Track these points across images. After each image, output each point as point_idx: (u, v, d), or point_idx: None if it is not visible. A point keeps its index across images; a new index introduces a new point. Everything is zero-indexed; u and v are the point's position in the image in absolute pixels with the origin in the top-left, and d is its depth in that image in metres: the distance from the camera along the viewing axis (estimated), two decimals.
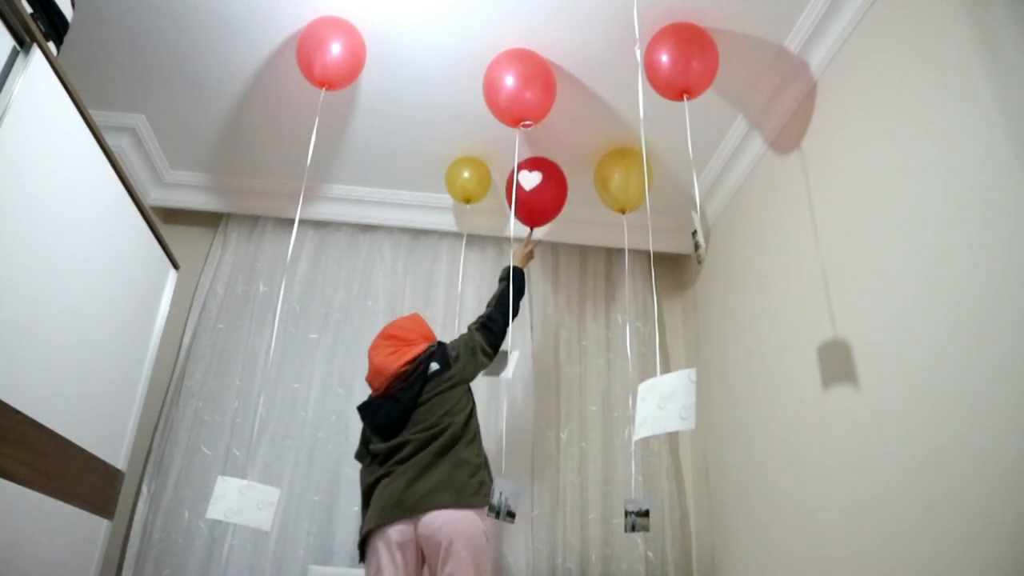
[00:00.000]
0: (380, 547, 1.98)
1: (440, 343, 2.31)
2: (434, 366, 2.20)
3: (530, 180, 2.58)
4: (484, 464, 2.13)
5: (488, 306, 2.42)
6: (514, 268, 2.46)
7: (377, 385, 2.21)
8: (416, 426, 2.11)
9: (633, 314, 3.09)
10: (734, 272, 2.72)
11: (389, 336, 2.28)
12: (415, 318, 2.39)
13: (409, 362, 2.19)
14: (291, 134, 2.79)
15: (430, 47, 2.34)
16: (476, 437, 2.17)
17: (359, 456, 2.25)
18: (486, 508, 1.98)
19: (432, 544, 1.92)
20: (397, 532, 1.97)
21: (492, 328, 2.33)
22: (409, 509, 1.96)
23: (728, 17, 2.15)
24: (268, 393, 2.85)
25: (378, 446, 2.13)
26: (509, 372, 2.43)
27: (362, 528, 2.07)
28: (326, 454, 2.77)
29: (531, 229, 2.73)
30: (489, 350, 2.32)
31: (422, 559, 2.01)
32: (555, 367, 2.99)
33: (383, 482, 2.05)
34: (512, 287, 2.39)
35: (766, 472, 2.29)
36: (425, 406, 2.14)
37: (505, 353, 2.42)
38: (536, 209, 2.67)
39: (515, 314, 2.39)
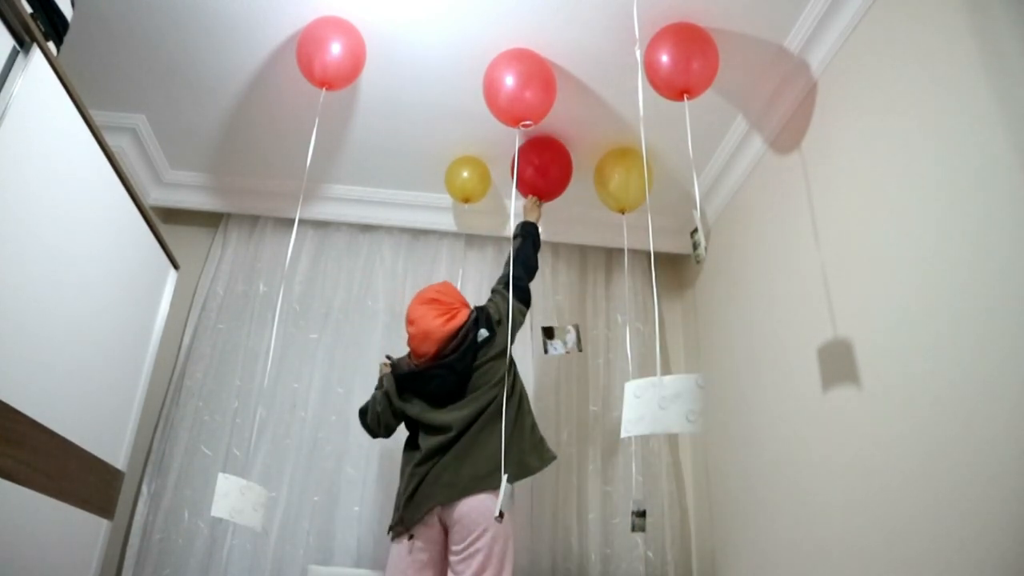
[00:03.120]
0: (423, 529, 2.01)
1: (480, 308, 2.29)
2: (483, 332, 2.19)
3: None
4: (533, 433, 2.14)
5: (508, 264, 2.39)
6: (527, 223, 2.49)
7: (424, 350, 2.17)
8: (471, 395, 2.12)
9: (633, 314, 3.09)
10: (734, 272, 2.72)
11: (430, 300, 2.24)
12: (449, 285, 2.36)
13: (460, 327, 2.17)
14: (291, 134, 2.79)
15: (430, 47, 2.34)
16: (526, 404, 2.18)
17: (374, 421, 2.27)
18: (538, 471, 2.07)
19: (464, 525, 1.94)
20: (428, 522, 2.00)
21: (521, 285, 2.33)
22: (461, 492, 1.96)
23: (728, 17, 2.14)
24: (268, 393, 2.85)
25: (433, 416, 2.12)
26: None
27: (412, 507, 2.03)
28: (326, 454, 2.77)
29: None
30: (524, 307, 2.33)
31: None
32: (555, 367, 2.99)
33: (439, 462, 2.04)
34: (528, 241, 2.42)
35: (766, 472, 2.29)
36: (477, 375, 2.14)
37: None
38: (542, 188, 2.71)
39: (535, 269, 2.42)
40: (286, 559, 2.61)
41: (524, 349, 2.97)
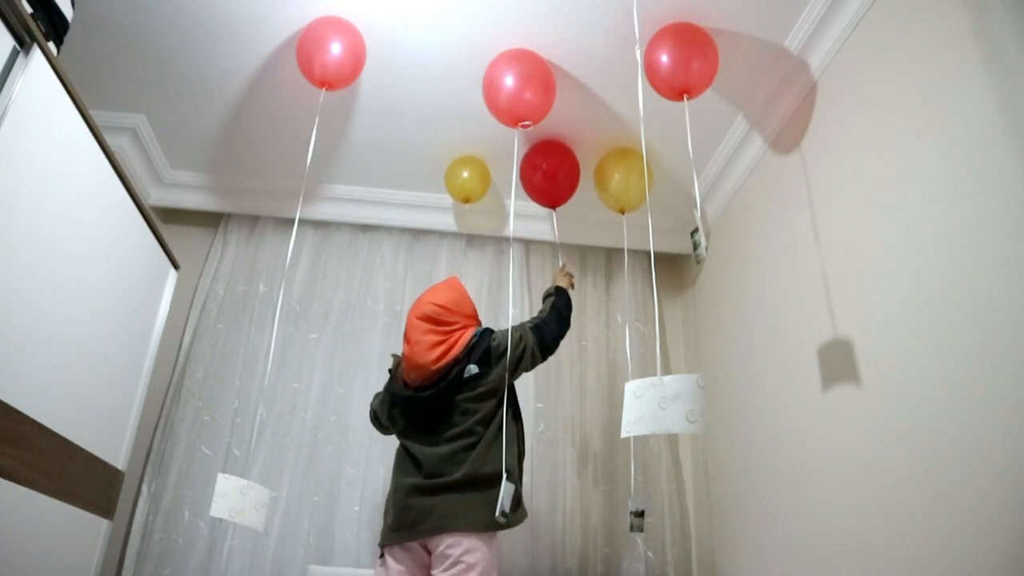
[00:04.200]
0: (397, 554, 1.96)
1: (486, 331, 2.13)
2: (471, 369, 2.02)
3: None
4: (509, 479, 1.95)
5: (541, 313, 2.26)
6: (559, 287, 2.34)
7: (412, 377, 2.06)
8: (446, 434, 1.99)
9: (633, 314, 3.09)
10: (734, 272, 2.72)
11: (430, 320, 2.06)
12: (455, 289, 2.18)
13: (452, 361, 2.02)
14: (291, 134, 2.79)
15: (430, 47, 2.34)
16: (506, 448, 1.98)
17: (379, 416, 2.22)
18: (499, 528, 1.90)
19: (444, 551, 1.87)
20: (408, 546, 1.95)
21: (545, 332, 2.16)
22: (424, 532, 1.90)
23: (728, 17, 2.15)
24: (268, 393, 2.85)
25: (411, 440, 2.05)
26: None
27: (390, 530, 1.98)
28: (326, 454, 2.77)
29: (562, 264, 2.61)
30: (539, 354, 2.14)
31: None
32: (555, 367, 2.99)
33: (404, 492, 1.97)
34: (562, 299, 2.29)
35: (766, 472, 2.29)
36: (459, 410, 2.00)
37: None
38: (551, 192, 2.72)
39: (567, 326, 2.25)
40: (286, 559, 2.61)
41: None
